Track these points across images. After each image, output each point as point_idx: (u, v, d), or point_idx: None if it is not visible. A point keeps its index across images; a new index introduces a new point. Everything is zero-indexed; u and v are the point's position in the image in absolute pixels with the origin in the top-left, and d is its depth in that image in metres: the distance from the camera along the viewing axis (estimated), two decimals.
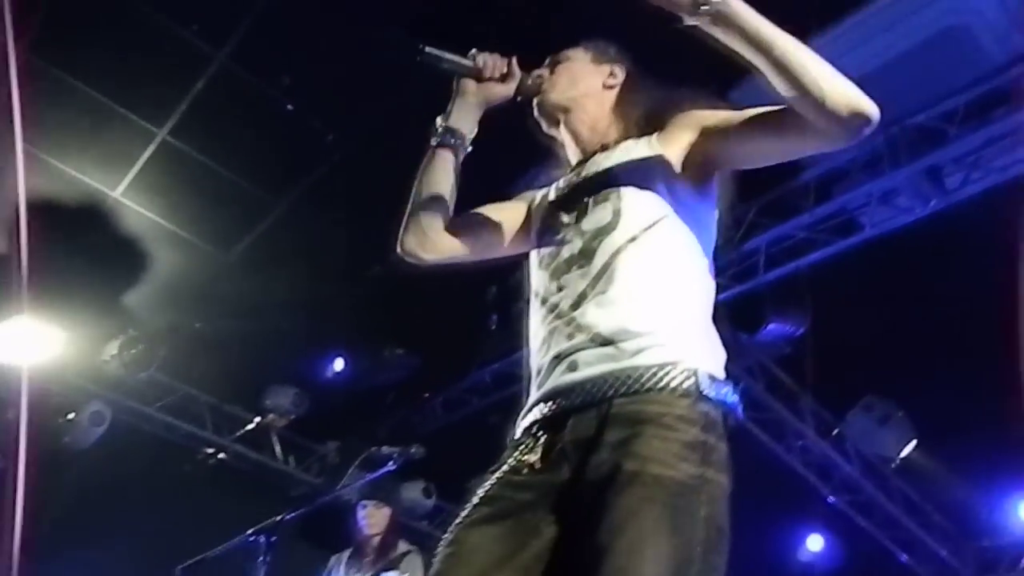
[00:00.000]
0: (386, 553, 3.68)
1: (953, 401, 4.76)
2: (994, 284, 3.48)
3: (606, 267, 1.40)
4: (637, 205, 1.45)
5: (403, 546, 3.75)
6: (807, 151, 1.45)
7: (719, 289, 1.53)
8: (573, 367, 1.36)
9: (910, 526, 5.90)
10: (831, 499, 5.71)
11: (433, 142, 1.64)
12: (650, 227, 1.42)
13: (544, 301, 1.49)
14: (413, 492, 5.94)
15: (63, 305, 4.67)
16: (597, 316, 1.37)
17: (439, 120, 1.64)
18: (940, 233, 4.04)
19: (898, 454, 5.34)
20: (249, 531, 2.94)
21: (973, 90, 3.75)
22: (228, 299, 5.29)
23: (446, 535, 1.36)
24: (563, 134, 1.68)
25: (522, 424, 1.44)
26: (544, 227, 1.59)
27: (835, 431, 5.64)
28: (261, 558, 2.86)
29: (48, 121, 4.06)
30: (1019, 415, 3.49)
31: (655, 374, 1.30)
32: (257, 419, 5.93)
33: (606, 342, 1.35)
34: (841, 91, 1.26)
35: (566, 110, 1.65)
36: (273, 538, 2.91)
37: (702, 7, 1.24)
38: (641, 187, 1.47)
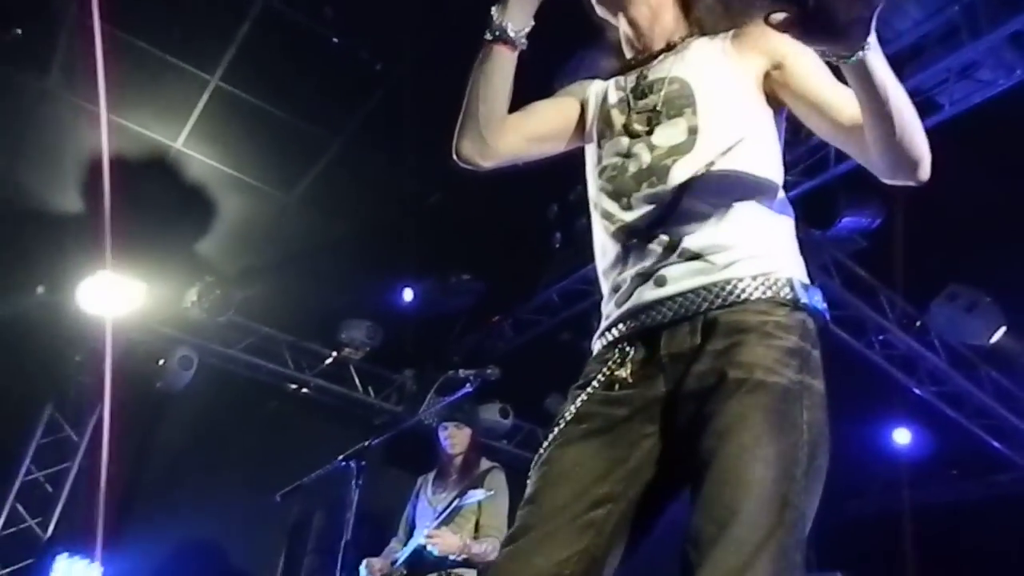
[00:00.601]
0: (469, 471, 3.82)
1: None
2: None
3: (684, 187, 1.37)
4: (714, 125, 1.41)
5: (485, 463, 3.87)
6: (846, 150, 1.44)
7: (789, 186, 1.52)
8: (661, 282, 1.37)
9: (1003, 413, 5.82)
10: (918, 392, 5.66)
11: (488, 37, 1.52)
12: (728, 151, 1.39)
13: (611, 218, 1.47)
14: (490, 413, 6.12)
15: (141, 258, 4.91)
16: (681, 232, 1.35)
17: (494, 12, 1.51)
18: None
19: (987, 341, 5.22)
20: (340, 457, 3.11)
21: None
22: (295, 238, 5.45)
23: (539, 454, 1.39)
24: (622, 22, 1.58)
25: (603, 340, 1.46)
26: (605, 130, 1.53)
27: (918, 323, 5.54)
28: (353, 481, 3.03)
29: (107, 78, 4.18)
30: None
31: (750, 284, 1.32)
32: (334, 353, 6.17)
33: (694, 256, 1.35)
34: (920, 158, 1.29)
35: None
36: (363, 462, 3.06)
37: (857, 52, 1.15)
38: (718, 103, 1.42)
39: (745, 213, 1.37)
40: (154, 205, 4.79)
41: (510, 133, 1.57)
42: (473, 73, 1.54)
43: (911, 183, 1.33)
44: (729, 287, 1.32)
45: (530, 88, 1.62)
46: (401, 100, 4.47)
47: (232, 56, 4.36)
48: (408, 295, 6.00)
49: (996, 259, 4.71)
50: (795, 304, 1.32)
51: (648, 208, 1.40)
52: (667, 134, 1.42)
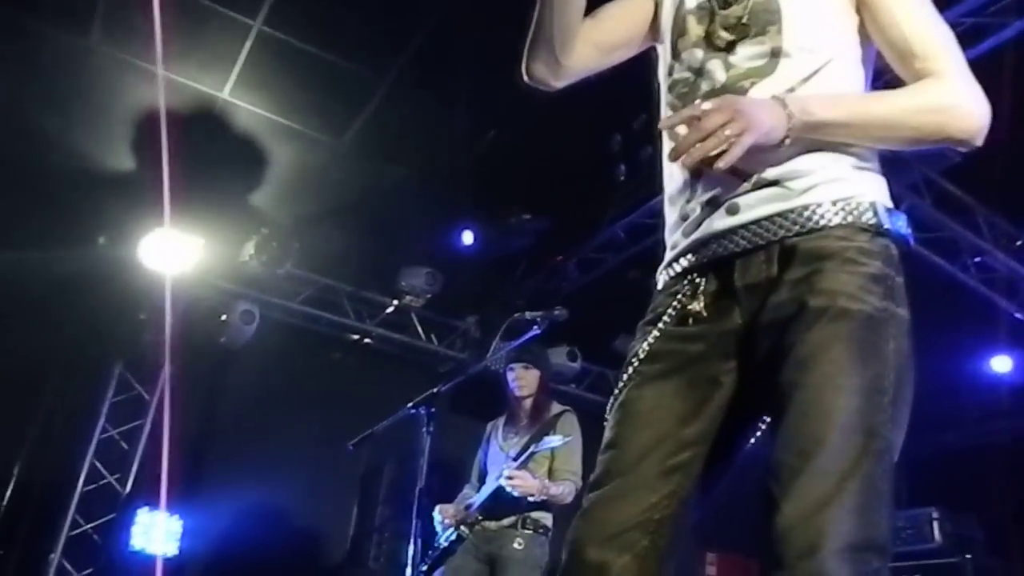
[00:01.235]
0: (540, 415, 3.89)
1: None
2: None
3: None
4: (799, 47, 1.37)
5: (557, 407, 3.94)
6: None
7: None
8: (733, 210, 1.35)
9: None
10: (1018, 315, 5.49)
11: None
12: (811, 76, 1.36)
13: (679, 139, 1.42)
14: (558, 357, 6.17)
15: (197, 213, 5.06)
16: (756, 158, 1.30)
17: None
18: None
19: None
20: (409, 404, 3.20)
21: None
22: (349, 185, 5.54)
23: (615, 395, 1.40)
24: None
25: (670, 272, 1.45)
26: (678, 39, 1.49)
27: (1019, 243, 5.34)
28: (424, 428, 3.12)
29: (149, 30, 4.26)
30: None
31: (830, 209, 1.30)
32: (395, 302, 6.30)
33: (770, 183, 1.34)
34: (964, 138, 1.32)
35: None
36: (432, 409, 3.15)
37: (786, 138, 1.28)
38: (806, 23, 1.38)
39: (806, 142, 1.33)
40: (205, 158, 4.91)
41: (582, 46, 1.54)
42: None
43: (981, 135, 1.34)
44: (808, 213, 1.31)
45: None
46: (447, 37, 4.45)
47: None
48: (467, 238, 6.05)
49: None
50: (878, 229, 1.30)
51: None
52: (747, 53, 1.39)
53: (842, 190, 1.32)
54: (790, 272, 1.29)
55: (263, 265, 5.58)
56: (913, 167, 4.79)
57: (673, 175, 1.48)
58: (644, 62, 1.64)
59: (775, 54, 1.37)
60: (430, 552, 3.77)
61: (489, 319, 6.48)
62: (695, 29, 1.46)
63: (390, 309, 6.35)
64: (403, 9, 4.41)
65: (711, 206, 1.38)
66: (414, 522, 3.04)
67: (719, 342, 1.34)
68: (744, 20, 1.40)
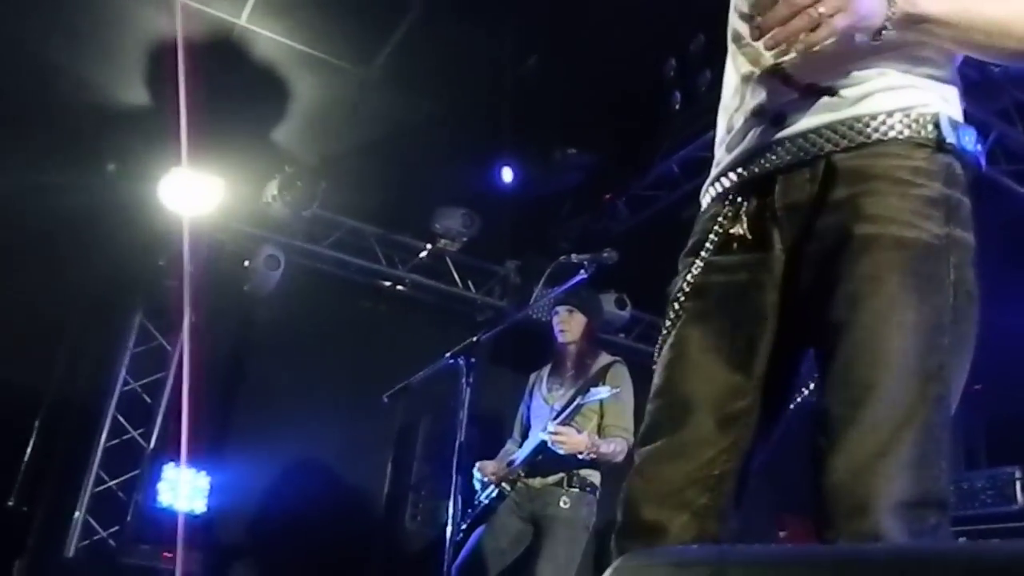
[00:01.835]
0: (586, 365, 3.90)
1: None
2: None
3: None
4: None
5: (605, 357, 3.95)
6: None
7: None
8: (779, 121, 1.32)
9: None
10: None
11: None
12: None
13: (739, 41, 1.42)
14: (606, 305, 6.17)
15: (215, 151, 5.11)
16: (812, 59, 1.27)
17: None
18: None
19: None
20: (447, 354, 3.25)
21: None
22: (377, 119, 5.52)
23: (662, 336, 1.39)
24: None
25: (712, 192, 1.44)
26: None
27: None
28: (463, 380, 3.17)
29: None
30: None
31: (885, 122, 1.26)
32: (429, 246, 6.33)
33: (822, 90, 1.30)
34: None
35: None
36: (472, 360, 3.19)
37: (883, 28, 1.21)
38: None
39: (895, 40, 1.29)
40: (223, 92, 4.91)
41: None
42: None
43: None
44: (859, 125, 1.27)
45: None
46: None
47: None
48: (507, 175, 6.03)
49: None
50: (939, 145, 1.26)
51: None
52: None
53: (901, 99, 1.28)
54: (834, 193, 1.26)
55: (287, 207, 5.63)
56: (1004, 90, 4.63)
57: (728, 82, 1.45)
58: None
59: None
60: (470, 511, 3.86)
61: (530, 264, 6.48)
62: None
63: (423, 254, 6.39)
64: None
65: (757, 116, 1.36)
66: (454, 478, 3.09)
67: (764, 271, 1.32)
68: None
